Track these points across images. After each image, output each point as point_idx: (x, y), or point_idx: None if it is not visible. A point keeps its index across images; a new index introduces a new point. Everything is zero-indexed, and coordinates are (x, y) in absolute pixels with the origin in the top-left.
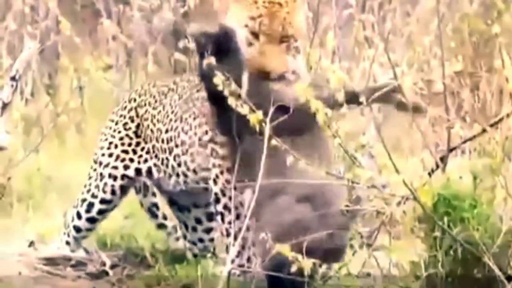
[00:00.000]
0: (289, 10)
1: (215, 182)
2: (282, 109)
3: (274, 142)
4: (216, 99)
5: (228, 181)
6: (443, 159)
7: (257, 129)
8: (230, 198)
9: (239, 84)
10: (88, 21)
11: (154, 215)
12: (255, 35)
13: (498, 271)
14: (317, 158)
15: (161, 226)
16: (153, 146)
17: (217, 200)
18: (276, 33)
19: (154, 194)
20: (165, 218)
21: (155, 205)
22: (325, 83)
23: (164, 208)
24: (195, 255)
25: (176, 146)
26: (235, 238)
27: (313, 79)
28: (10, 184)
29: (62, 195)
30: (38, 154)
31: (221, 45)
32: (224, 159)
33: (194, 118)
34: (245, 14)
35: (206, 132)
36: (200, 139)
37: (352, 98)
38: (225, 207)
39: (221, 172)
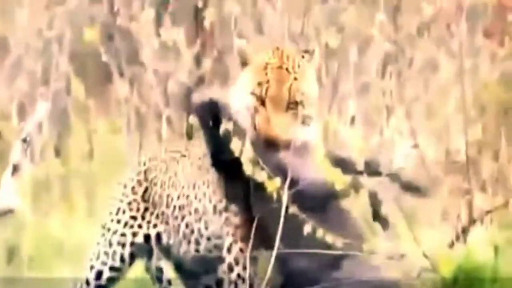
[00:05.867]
0: (297, 76)
1: (229, 251)
2: (293, 182)
3: (292, 210)
4: (223, 166)
5: (241, 250)
6: (464, 231)
7: (274, 196)
8: (244, 268)
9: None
10: (99, 82)
11: (159, 280)
12: (262, 101)
13: None
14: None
15: None
16: (163, 213)
17: (231, 269)
18: (282, 99)
19: (159, 258)
20: (169, 283)
21: (160, 269)
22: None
23: (168, 273)
24: None
25: (189, 213)
26: None
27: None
28: (19, 248)
29: (72, 262)
30: (48, 219)
31: (217, 116)
32: (237, 228)
33: (208, 186)
34: (254, 80)
35: (221, 200)
36: (215, 207)
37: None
38: (239, 276)
39: (235, 241)
